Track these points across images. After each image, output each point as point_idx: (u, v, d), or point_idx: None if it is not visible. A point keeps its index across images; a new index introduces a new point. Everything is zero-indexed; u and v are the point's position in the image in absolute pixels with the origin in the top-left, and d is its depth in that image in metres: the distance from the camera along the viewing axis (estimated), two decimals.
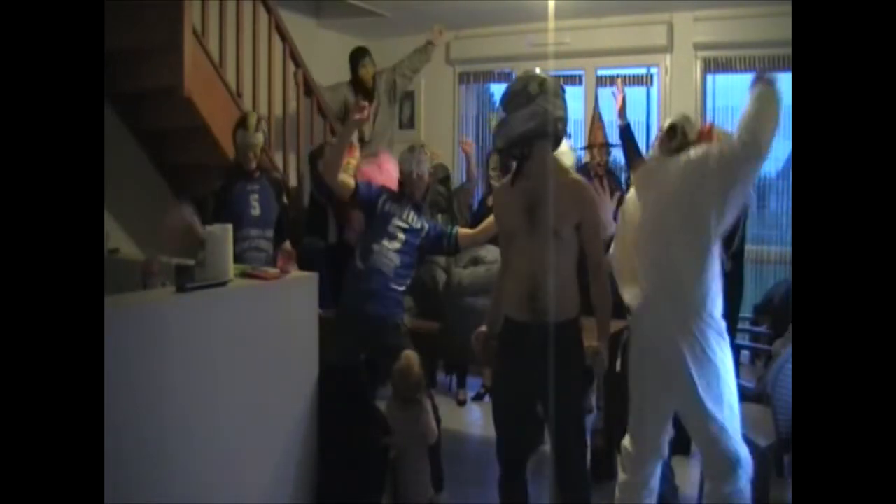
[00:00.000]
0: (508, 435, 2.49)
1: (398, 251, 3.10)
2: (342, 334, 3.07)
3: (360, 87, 4.72)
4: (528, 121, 2.31)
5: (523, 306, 2.36)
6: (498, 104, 2.40)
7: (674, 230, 2.34)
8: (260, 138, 3.41)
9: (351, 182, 3.14)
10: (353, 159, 3.54)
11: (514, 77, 2.82)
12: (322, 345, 2.77)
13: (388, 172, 3.52)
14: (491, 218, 3.15)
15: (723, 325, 2.35)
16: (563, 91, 2.39)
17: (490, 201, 2.98)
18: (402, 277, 3.12)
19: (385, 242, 3.09)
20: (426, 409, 2.79)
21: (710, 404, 2.29)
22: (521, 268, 2.37)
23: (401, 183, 3.24)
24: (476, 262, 3.48)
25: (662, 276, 2.37)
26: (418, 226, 3.17)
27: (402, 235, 3.11)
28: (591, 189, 2.43)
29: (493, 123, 2.41)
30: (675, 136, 2.52)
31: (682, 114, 2.66)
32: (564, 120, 2.38)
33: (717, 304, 2.33)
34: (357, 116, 2.94)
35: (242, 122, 3.40)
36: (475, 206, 4.48)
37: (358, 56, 4.73)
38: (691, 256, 2.32)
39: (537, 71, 2.44)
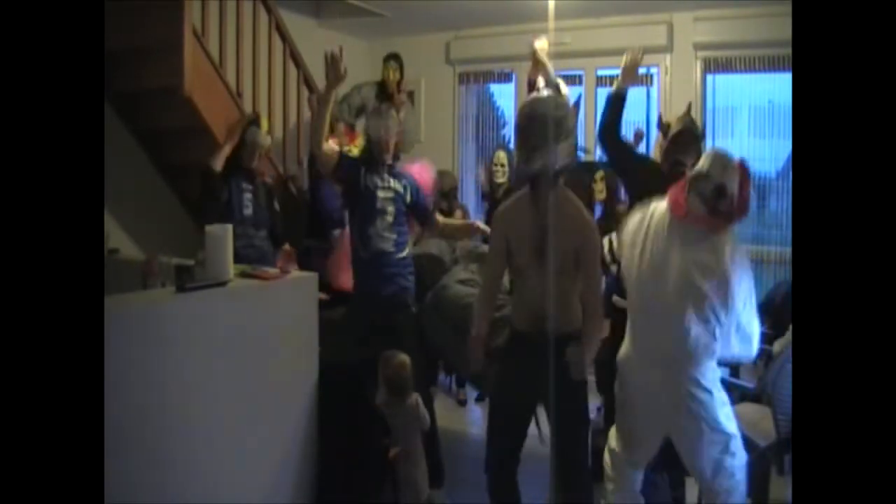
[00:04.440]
0: (502, 442, 2.51)
1: (391, 225, 3.10)
2: (355, 320, 3.09)
3: (384, 89, 4.75)
4: (568, 156, 2.36)
5: (530, 326, 2.40)
6: (527, 125, 2.37)
7: (675, 297, 2.24)
8: (268, 141, 3.50)
9: (335, 152, 3.10)
10: (354, 147, 3.53)
11: (524, 85, 2.80)
12: (324, 345, 2.77)
13: (424, 181, 3.47)
14: (467, 222, 3.19)
15: (717, 377, 2.32)
16: None
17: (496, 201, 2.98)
18: (402, 245, 3.15)
19: (378, 223, 3.08)
20: (416, 399, 2.76)
21: (694, 456, 2.30)
22: (530, 298, 2.41)
23: (370, 148, 3.17)
24: (465, 282, 3.41)
25: (655, 332, 2.31)
26: (400, 188, 3.15)
27: (390, 208, 3.10)
28: (593, 224, 2.45)
29: (526, 146, 2.37)
30: (725, 198, 2.20)
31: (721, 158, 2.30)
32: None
33: (713, 361, 2.29)
34: (332, 76, 2.90)
35: (255, 121, 3.43)
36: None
37: (386, 60, 4.82)
38: (690, 319, 2.22)
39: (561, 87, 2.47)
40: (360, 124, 4.66)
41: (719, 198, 2.17)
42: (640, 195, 2.57)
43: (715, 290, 2.16)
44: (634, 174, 2.93)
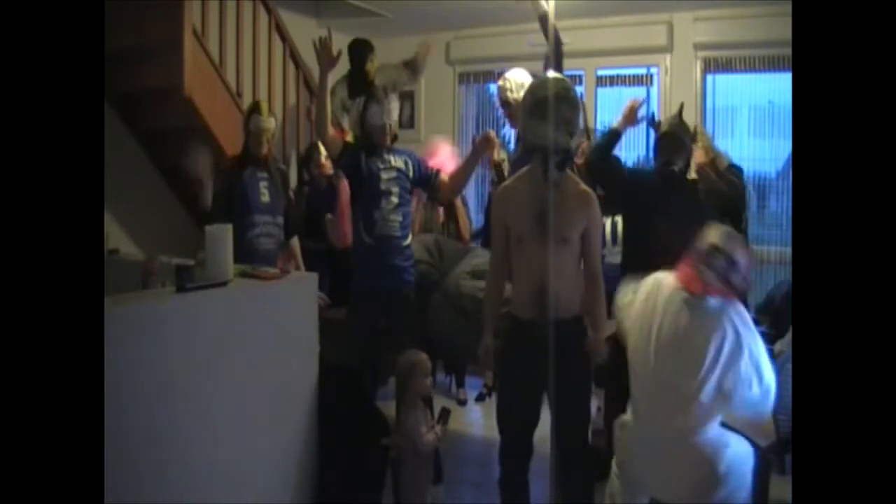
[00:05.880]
0: (513, 433, 2.50)
1: (397, 207, 3.10)
2: (355, 319, 3.09)
3: (363, 81, 4.56)
4: (580, 136, 2.45)
5: (531, 306, 2.40)
6: (537, 104, 2.38)
7: (690, 375, 2.23)
8: (272, 123, 3.46)
9: (340, 139, 3.16)
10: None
11: (538, 76, 2.77)
12: (324, 345, 2.76)
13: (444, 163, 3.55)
14: (464, 162, 3.23)
15: (717, 429, 2.31)
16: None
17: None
18: (406, 229, 3.16)
19: (384, 205, 3.08)
20: (419, 419, 2.71)
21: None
22: (529, 270, 2.41)
23: (370, 136, 3.17)
24: (475, 275, 3.42)
25: (665, 406, 2.29)
26: (402, 165, 3.16)
27: (395, 188, 3.11)
28: (597, 202, 2.47)
29: (533, 122, 2.39)
30: (737, 271, 2.22)
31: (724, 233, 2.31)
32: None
33: (713, 417, 2.29)
34: (324, 61, 2.98)
35: (256, 108, 3.42)
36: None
37: (365, 50, 4.58)
38: (707, 394, 2.22)
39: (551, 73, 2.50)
40: (346, 121, 4.63)
41: (732, 270, 2.21)
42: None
43: (731, 361, 2.18)
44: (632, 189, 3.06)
